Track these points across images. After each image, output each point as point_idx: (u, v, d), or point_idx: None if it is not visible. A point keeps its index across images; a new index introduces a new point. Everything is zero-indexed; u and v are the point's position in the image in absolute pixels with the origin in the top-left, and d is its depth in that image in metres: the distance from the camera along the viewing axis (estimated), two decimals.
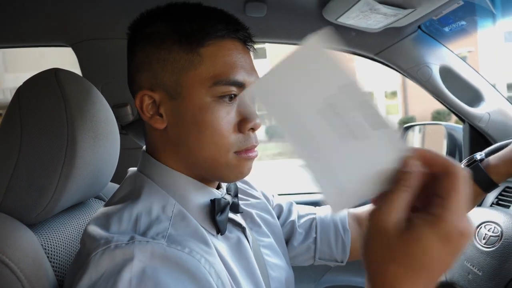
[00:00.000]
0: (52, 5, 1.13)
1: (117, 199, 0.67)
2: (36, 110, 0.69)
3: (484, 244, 0.95)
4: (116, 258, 0.54)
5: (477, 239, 0.97)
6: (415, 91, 18.03)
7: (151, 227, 0.59)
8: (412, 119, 18.44)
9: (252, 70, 0.69)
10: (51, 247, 0.71)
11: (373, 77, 19.15)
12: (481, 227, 0.98)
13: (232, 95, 0.65)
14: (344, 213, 0.95)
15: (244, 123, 0.66)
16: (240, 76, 0.65)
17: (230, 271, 0.65)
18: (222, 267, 0.62)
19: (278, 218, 0.93)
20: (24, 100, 0.70)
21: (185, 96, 0.64)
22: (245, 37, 0.69)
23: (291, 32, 1.25)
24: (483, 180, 0.85)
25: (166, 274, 0.54)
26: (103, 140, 0.79)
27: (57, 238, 0.74)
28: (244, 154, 0.67)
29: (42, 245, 0.69)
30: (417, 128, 1.75)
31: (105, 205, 0.69)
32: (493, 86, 1.31)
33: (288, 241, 0.92)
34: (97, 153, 0.78)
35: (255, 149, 0.69)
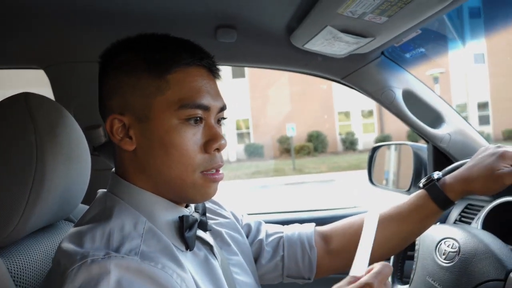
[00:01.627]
0: (24, 28, 1.14)
1: (88, 219, 0.69)
2: (5, 134, 0.71)
3: (444, 259, 0.99)
4: (93, 272, 0.56)
5: (437, 254, 1.02)
6: None
7: (123, 244, 0.62)
8: (388, 137, 18.79)
9: (217, 95, 0.74)
10: (18, 271, 0.71)
11: (350, 96, 19.52)
12: (441, 243, 1.02)
13: (198, 118, 0.70)
14: (311, 230, 0.98)
15: (209, 144, 0.70)
16: (205, 100, 0.70)
17: (198, 287, 0.67)
18: (192, 283, 0.65)
19: (247, 237, 0.95)
20: None
21: (153, 119, 0.69)
22: (210, 65, 0.74)
23: (260, 56, 1.29)
24: (440, 198, 0.89)
25: (140, 286, 0.57)
26: (74, 163, 0.81)
27: (24, 261, 0.74)
28: (210, 175, 0.71)
29: (8, 268, 0.69)
30: (384, 148, 1.80)
31: (76, 225, 0.70)
32: (452, 107, 1.38)
33: (256, 259, 0.95)
34: (67, 175, 0.79)
35: (221, 171, 0.73)
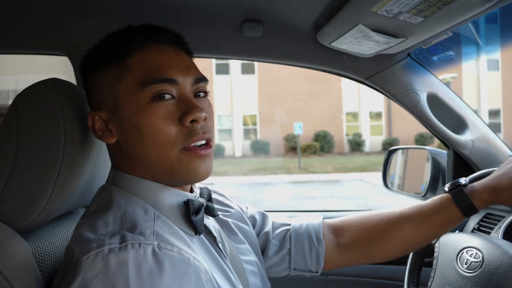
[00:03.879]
0: (50, 15, 1.15)
1: (94, 208, 0.70)
2: (34, 119, 0.71)
3: (466, 269, 0.97)
4: (110, 261, 0.56)
5: (459, 263, 0.99)
6: (399, 113, 18.34)
7: (137, 224, 0.62)
8: (395, 140, 18.73)
9: (187, 68, 0.72)
10: (41, 255, 0.72)
11: (359, 97, 19.46)
12: (463, 252, 1.00)
13: (167, 93, 0.68)
14: (319, 222, 0.97)
15: (184, 116, 0.68)
16: (170, 74, 0.69)
17: (210, 271, 0.66)
18: (206, 267, 0.65)
19: (253, 229, 0.95)
20: (22, 109, 0.71)
21: (123, 106, 0.69)
22: (171, 40, 0.74)
23: (285, 53, 1.27)
24: (465, 205, 0.88)
25: (160, 274, 0.56)
26: (97, 151, 0.81)
27: (47, 246, 0.75)
28: (193, 149, 0.68)
29: (33, 253, 0.69)
30: (400, 151, 1.78)
31: (84, 215, 0.71)
32: (476, 113, 1.35)
33: (263, 251, 0.94)
34: (91, 163, 0.79)
35: (204, 143, 0.70)
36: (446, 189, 0.92)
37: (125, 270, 0.55)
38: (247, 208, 1.00)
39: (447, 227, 0.92)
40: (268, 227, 0.96)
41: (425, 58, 1.26)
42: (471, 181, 0.93)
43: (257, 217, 0.98)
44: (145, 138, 0.67)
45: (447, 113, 1.32)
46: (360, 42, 1.03)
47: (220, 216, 0.87)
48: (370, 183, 11.37)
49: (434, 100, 1.30)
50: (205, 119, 0.70)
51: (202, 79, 0.73)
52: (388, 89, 1.30)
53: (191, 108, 0.68)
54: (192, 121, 0.68)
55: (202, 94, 0.73)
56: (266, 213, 1.00)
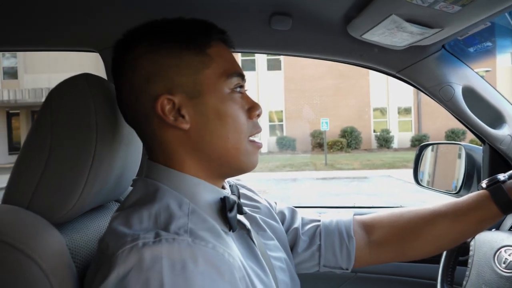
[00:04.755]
0: (82, 12, 1.17)
1: (131, 202, 0.70)
2: (67, 114, 0.72)
3: (504, 268, 0.93)
4: (144, 255, 0.56)
5: (496, 263, 0.96)
6: (429, 109, 17.90)
7: (171, 222, 0.62)
8: (425, 137, 18.30)
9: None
10: (75, 247, 0.73)
11: (387, 92, 19.10)
12: (500, 251, 0.96)
13: (241, 86, 0.74)
14: (349, 218, 0.95)
15: (252, 111, 0.74)
16: (241, 69, 0.75)
17: (245, 268, 0.67)
18: (240, 263, 0.65)
19: (282, 225, 0.94)
20: (56, 103, 0.73)
21: (206, 93, 0.70)
22: (227, 39, 0.78)
23: (314, 46, 1.26)
24: (504, 202, 0.85)
25: (193, 270, 0.56)
26: (127, 145, 0.82)
27: (80, 238, 0.76)
28: (256, 142, 0.75)
29: (67, 244, 0.71)
30: (432, 147, 1.73)
31: (119, 209, 0.71)
32: None
33: (292, 248, 0.93)
34: (121, 157, 0.80)
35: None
36: (484, 185, 0.89)
37: (159, 265, 0.55)
38: (275, 203, 0.99)
39: (484, 225, 0.89)
40: (298, 223, 0.95)
41: (461, 49, 1.21)
42: (510, 177, 0.90)
43: (286, 212, 0.97)
44: (227, 126, 0.71)
45: (484, 107, 1.27)
46: (392, 34, 1.00)
47: (248, 211, 0.86)
48: (400, 179, 11.15)
49: (470, 94, 1.25)
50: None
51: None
52: (421, 82, 1.26)
53: (255, 103, 0.75)
54: (257, 116, 0.75)
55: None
56: (296, 208, 0.99)
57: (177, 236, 0.59)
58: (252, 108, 0.74)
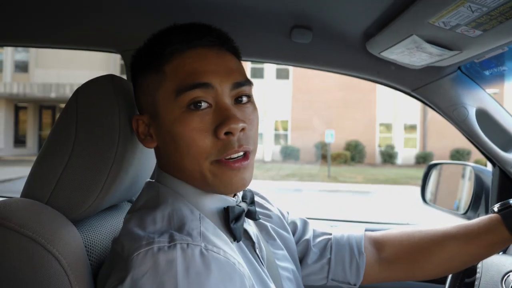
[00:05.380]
0: (105, 13, 1.20)
1: (142, 203, 0.71)
2: (92, 114, 0.74)
3: None
4: (159, 260, 0.57)
5: (504, 287, 0.96)
6: (435, 127, 17.86)
7: (185, 223, 0.63)
8: (430, 154, 18.23)
9: (226, 71, 0.68)
10: (90, 245, 0.75)
11: (394, 108, 19.07)
12: (509, 275, 0.97)
13: (202, 100, 0.65)
14: (361, 234, 0.95)
15: (219, 128, 0.65)
16: (203, 78, 0.65)
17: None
18: (248, 272, 0.65)
19: (293, 235, 0.94)
20: (82, 103, 0.74)
21: (161, 114, 0.69)
22: (210, 42, 0.70)
23: (332, 60, 1.28)
24: None
25: (207, 276, 0.57)
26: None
27: (95, 236, 0.77)
28: (225, 162, 0.66)
29: (83, 242, 0.72)
30: (439, 166, 1.73)
31: (131, 209, 0.73)
32: None
33: (302, 259, 0.93)
34: (139, 158, 0.82)
35: (241, 155, 0.67)
36: (495, 209, 0.89)
37: (174, 270, 0.56)
38: (288, 213, 0.99)
39: (494, 249, 0.89)
40: (309, 235, 0.95)
41: (476, 72, 1.23)
42: None
43: (298, 223, 0.97)
44: (180, 148, 0.67)
45: (496, 130, 1.28)
46: (412, 53, 1.02)
47: (260, 220, 0.86)
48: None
49: (483, 116, 1.26)
50: (242, 129, 0.66)
51: (243, 82, 0.69)
52: (435, 102, 1.27)
53: (226, 119, 0.65)
54: (227, 133, 0.65)
55: (244, 99, 0.69)
56: (307, 220, 1.00)
57: (190, 240, 0.60)
58: (219, 125, 0.65)
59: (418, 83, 1.26)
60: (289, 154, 19.37)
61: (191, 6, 1.11)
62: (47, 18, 1.21)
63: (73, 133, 0.72)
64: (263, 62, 1.33)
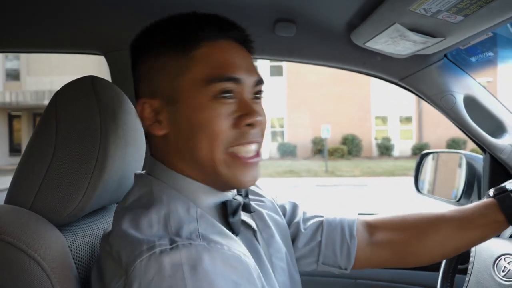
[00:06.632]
0: (87, 14, 1.17)
1: (135, 199, 0.69)
2: (72, 115, 0.72)
3: (503, 277, 0.94)
4: (164, 263, 0.55)
5: (496, 271, 0.96)
6: (431, 118, 17.89)
7: (182, 227, 0.61)
8: (426, 145, 18.28)
9: (251, 68, 0.70)
10: (76, 248, 0.73)
11: (389, 101, 19.11)
12: (500, 259, 0.97)
13: (230, 92, 0.66)
14: (353, 218, 0.93)
15: (241, 118, 0.67)
16: (236, 73, 0.67)
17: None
18: (254, 263, 0.64)
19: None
20: (61, 105, 0.73)
21: (182, 100, 0.67)
22: (240, 37, 0.71)
23: (318, 53, 1.27)
24: (511, 212, 0.83)
25: (215, 272, 0.56)
26: (131, 147, 0.82)
27: (82, 240, 0.76)
28: (239, 156, 0.67)
29: (69, 246, 0.71)
30: (432, 155, 1.74)
31: (120, 206, 0.71)
32: None
33: (293, 242, 0.91)
34: (125, 159, 0.81)
35: (254, 151, 0.69)
36: (491, 193, 0.87)
37: (180, 271, 0.55)
38: (276, 197, 0.97)
39: (489, 233, 0.87)
40: (299, 217, 0.93)
41: (463, 59, 1.23)
42: None
43: (287, 206, 0.95)
44: (199, 136, 0.66)
45: (485, 116, 1.28)
46: (396, 42, 1.01)
47: (254, 206, 0.84)
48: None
49: (471, 103, 1.26)
50: (261, 123, 0.69)
51: (262, 81, 0.72)
52: (423, 91, 1.27)
53: (251, 111, 0.67)
54: (248, 125, 0.67)
55: (259, 95, 0.72)
56: (297, 203, 0.97)
57: (192, 241, 0.59)
58: (241, 116, 0.67)
59: (405, 73, 1.25)
60: (286, 150, 19.39)
61: (174, 4, 1.10)
62: (25, 21, 1.19)
63: (53, 136, 0.71)
64: None
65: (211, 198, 0.71)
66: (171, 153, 0.71)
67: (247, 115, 0.67)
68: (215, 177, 0.69)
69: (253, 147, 0.69)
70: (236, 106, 0.67)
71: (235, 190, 0.77)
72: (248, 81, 0.69)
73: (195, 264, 0.56)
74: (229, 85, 0.66)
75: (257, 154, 0.70)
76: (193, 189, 0.70)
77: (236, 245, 0.63)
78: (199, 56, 0.67)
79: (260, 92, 0.72)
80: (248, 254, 0.64)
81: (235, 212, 0.71)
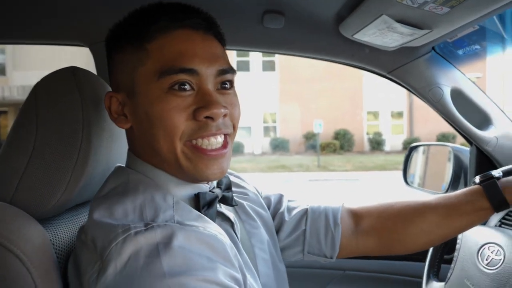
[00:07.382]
0: (71, 5, 1.15)
1: (110, 189, 0.69)
2: (53, 107, 0.71)
3: (486, 265, 0.95)
4: (140, 243, 0.56)
5: (479, 259, 0.98)
6: (421, 113, 18.02)
7: (158, 215, 0.61)
8: (417, 140, 18.40)
9: (212, 57, 0.67)
10: (59, 242, 0.72)
11: (380, 96, 19.19)
12: (484, 248, 0.98)
13: (186, 84, 0.64)
14: (338, 206, 0.94)
15: (199, 111, 0.65)
16: (191, 63, 0.65)
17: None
18: (230, 243, 0.65)
19: (268, 210, 0.93)
20: (41, 97, 0.71)
21: (139, 94, 0.67)
22: (199, 25, 0.68)
23: (306, 45, 1.27)
24: (497, 199, 0.83)
25: (190, 249, 0.56)
26: (115, 141, 0.81)
27: (64, 234, 0.75)
28: (201, 151, 0.66)
29: (51, 240, 0.70)
30: (421, 148, 1.75)
31: (96, 196, 0.70)
32: (501, 110, 1.32)
33: (277, 232, 0.91)
34: (109, 152, 0.80)
35: (218, 143, 0.67)
36: (477, 180, 0.87)
37: (156, 249, 0.55)
38: (262, 190, 0.97)
39: (475, 220, 0.87)
40: (283, 207, 0.94)
41: (450, 52, 1.24)
42: (505, 173, 0.89)
43: (272, 198, 0.95)
44: (156, 127, 0.65)
45: (471, 109, 1.29)
46: (383, 34, 1.02)
47: (236, 198, 0.84)
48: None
49: (458, 95, 1.27)
50: (224, 115, 0.67)
51: (228, 70, 0.69)
52: (411, 83, 1.28)
53: (209, 103, 0.64)
54: (207, 117, 0.65)
55: (228, 85, 0.69)
56: (283, 194, 0.98)
57: (167, 223, 0.59)
58: (199, 108, 0.65)
59: (393, 65, 1.26)
60: (278, 145, 19.39)
61: None
62: (8, 12, 1.16)
63: (33, 129, 0.69)
64: (236, 50, 1.31)
65: (184, 190, 0.70)
66: (139, 146, 0.71)
67: (204, 107, 0.64)
68: (179, 170, 0.68)
69: (217, 139, 0.67)
70: (194, 98, 0.65)
71: (214, 182, 0.76)
72: (207, 71, 0.66)
73: (170, 241, 0.56)
74: (183, 76, 0.64)
75: (224, 146, 0.68)
76: (165, 181, 0.70)
77: (212, 226, 0.63)
78: (153, 49, 0.66)
79: (227, 82, 0.69)
80: (224, 234, 0.64)
81: (210, 204, 0.70)
